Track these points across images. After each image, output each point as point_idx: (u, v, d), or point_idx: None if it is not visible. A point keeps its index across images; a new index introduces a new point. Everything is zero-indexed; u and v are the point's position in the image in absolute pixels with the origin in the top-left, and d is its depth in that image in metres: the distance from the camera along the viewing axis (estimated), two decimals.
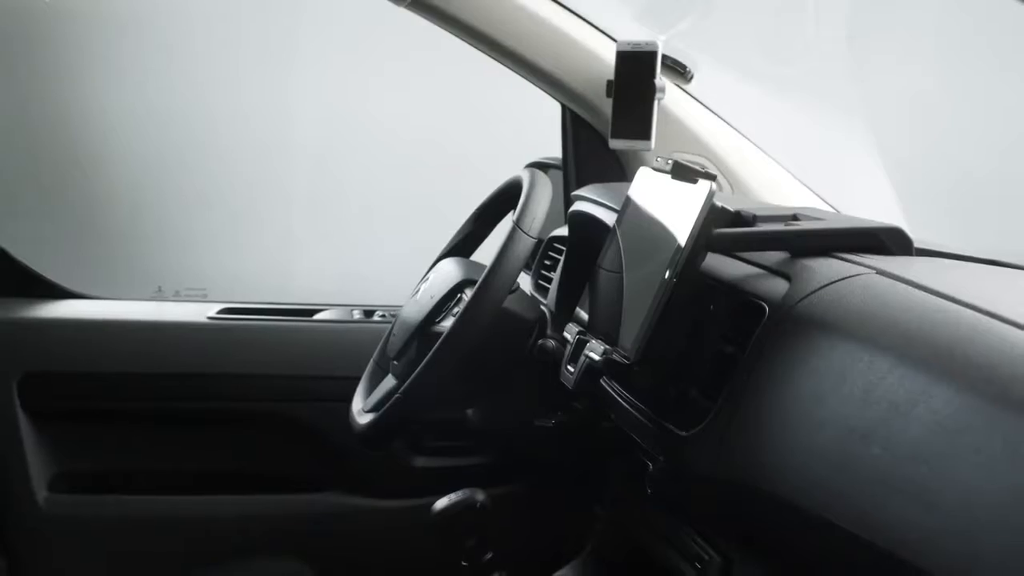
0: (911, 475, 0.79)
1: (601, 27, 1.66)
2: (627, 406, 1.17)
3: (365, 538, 1.82)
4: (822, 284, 0.99)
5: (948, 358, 0.82)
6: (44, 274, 1.90)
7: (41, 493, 1.78)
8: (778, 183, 1.63)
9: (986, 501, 0.73)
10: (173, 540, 1.80)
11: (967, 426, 0.77)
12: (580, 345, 1.15)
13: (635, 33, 1.61)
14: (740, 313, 1.04)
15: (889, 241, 1.09)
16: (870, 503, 0.82)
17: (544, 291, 1.64)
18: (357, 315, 1.92)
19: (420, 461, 1.82)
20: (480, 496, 1.26)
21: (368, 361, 1.60)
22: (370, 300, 1.98)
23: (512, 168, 1.59)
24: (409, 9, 1.58)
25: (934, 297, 0.91)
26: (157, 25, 2.23)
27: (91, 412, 1.83)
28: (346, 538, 1.82)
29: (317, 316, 1.91)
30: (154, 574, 1.79)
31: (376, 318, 1.91)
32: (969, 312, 0.86)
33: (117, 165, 2.20)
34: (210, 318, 1.86)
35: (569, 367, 1.17)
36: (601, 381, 1.21)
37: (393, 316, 1.72)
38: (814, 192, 1.63)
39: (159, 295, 2.18)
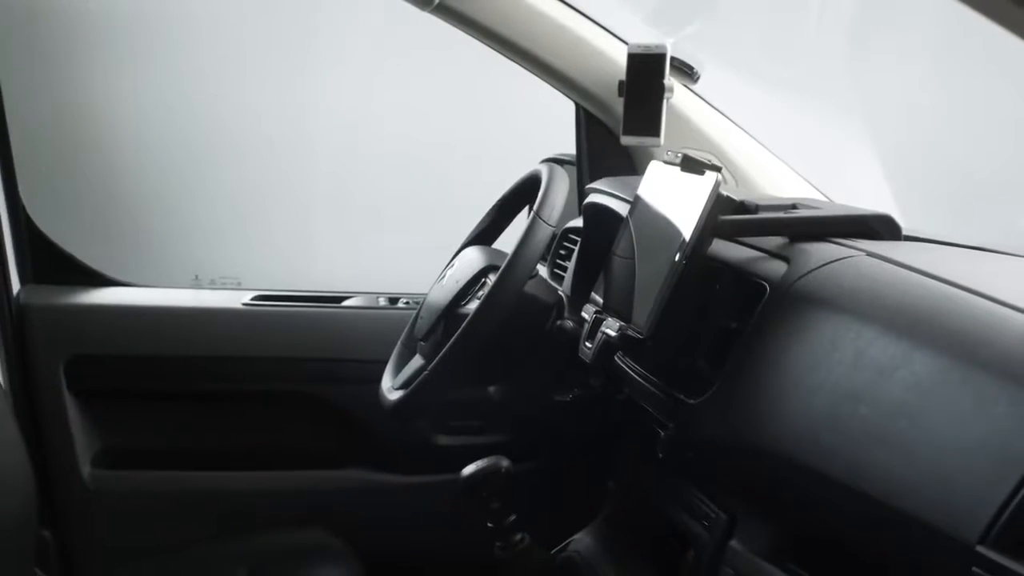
0: (894, 429, 0.88)
1: (613, 30, 1.72)
2: (640, 379, 1.26)
3: (390, 511, 1.88)
4: (817, 265, 1.08)
5: (927, 326, 0.92)
6: (89, 263, 1.97)
7: (85, 469, 1.84)
8: (778, 176, 1.69)
9: (957, 451, 0.83)
10: (208, 512, 1.85)
11: (942, 384, 0.87)
12: (597, 323, 1.25)
13: (645, 36, 1.67)
14: (743, 292, 1.13)
15: (879, 227, 1.19)
16: (858, 455, 0.91)
17: (559, 279, 1.68)
18: (383, 302, 1.98)
19: (442, 439, 1.88)
20: (504, 463, 1.33)
21: (393, 345, 1.67)
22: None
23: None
24: (433, 13, 1.65)
25: (916, 275, 1.01)
26: (182, 27, 2.28)
27: (132, 393, 1.89)
28: (371, 511, 1.88)
29: (345, 303, 1.96)
30: (190, 544, 1.83)
31: (400, 304, 1.96)
32: (946, 287, 0.96)
33: (154, 167, 2.28)
34: (244, 304, 1.92)
35: (587, 343, 1.26)
36: (616, 358, 1.29)
37: (416, 303, 1.79)
38: (812, 184, 1.69)
39: (196, 283, 2.24)
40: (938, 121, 2.04)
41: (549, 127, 1.98)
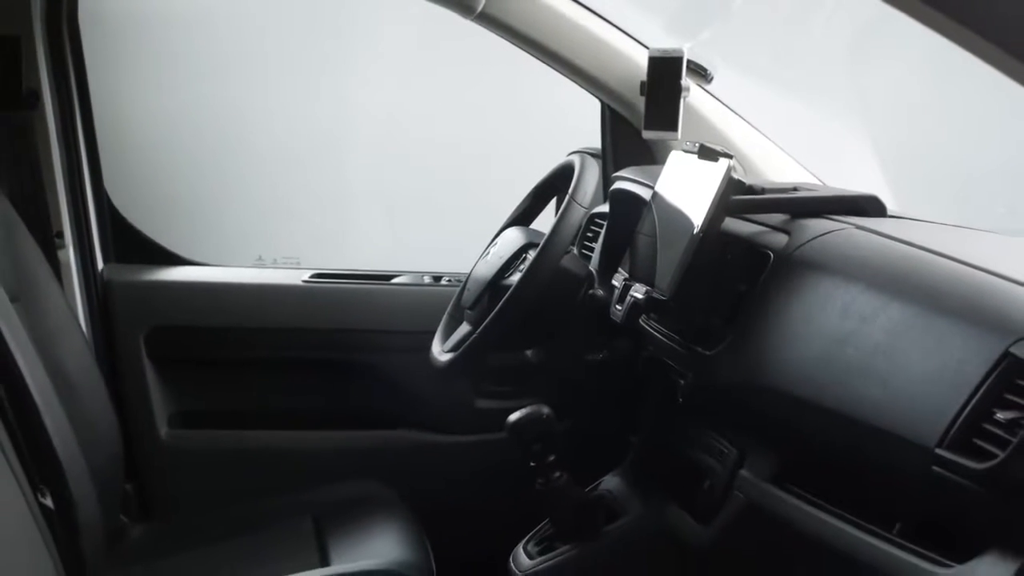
0: (873, 365, 1.08)
1: (636, 36, 1.88)
2: (662, 338, 1.45)
3: (435, 466, 2.06)
4: (813, 236, 1.27)
5: (902, 282, 1.12)
6: (166, 245, 2.15)
7: (163, 428, 2.03)
8: (781, 164, 1.84)
9: (921, 377, 1.02)
10: (273, 467, 2.03)
11: (911, 328, 1.06)
12: (626, 288, 1.44)
13: (664, 41, 1.82)
14: (750, 260, 1.32)
15: (867, 206, 1.37)
16: (845, 387, 1.11)
17: (587, 260, 1.81)
18: (427, 280, 2.14)
19: (481, 403, 2.04)
20: (545, 410, 1.50)
21: (437, 318, 1.84)
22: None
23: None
24: (475, 21, 1.83)
25: (895, 243, 1.20)
26: (249, 39, 2.45)
27: (205, 360, 2.07)
28: (419, 466, 2.05)
29: (393, 280, 2.13)
30: (255, 496, 1.94)
31: (443, 282, 2.12)
32: (919, 251, 1.16)
33: (226, 163, 2.45)
34: (304, 282, 2.09)
35: (617, 306, 1.45)
36: (640, 320, 1.48)
37: (458, 281, 1.96)
38: (809, 172, 1.85)
39: (260, 263, 2.40)
40: (933, 120, 2.20)
41: (554, 131, 2.15)
